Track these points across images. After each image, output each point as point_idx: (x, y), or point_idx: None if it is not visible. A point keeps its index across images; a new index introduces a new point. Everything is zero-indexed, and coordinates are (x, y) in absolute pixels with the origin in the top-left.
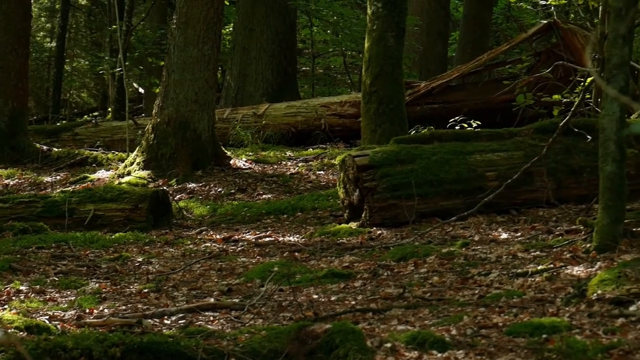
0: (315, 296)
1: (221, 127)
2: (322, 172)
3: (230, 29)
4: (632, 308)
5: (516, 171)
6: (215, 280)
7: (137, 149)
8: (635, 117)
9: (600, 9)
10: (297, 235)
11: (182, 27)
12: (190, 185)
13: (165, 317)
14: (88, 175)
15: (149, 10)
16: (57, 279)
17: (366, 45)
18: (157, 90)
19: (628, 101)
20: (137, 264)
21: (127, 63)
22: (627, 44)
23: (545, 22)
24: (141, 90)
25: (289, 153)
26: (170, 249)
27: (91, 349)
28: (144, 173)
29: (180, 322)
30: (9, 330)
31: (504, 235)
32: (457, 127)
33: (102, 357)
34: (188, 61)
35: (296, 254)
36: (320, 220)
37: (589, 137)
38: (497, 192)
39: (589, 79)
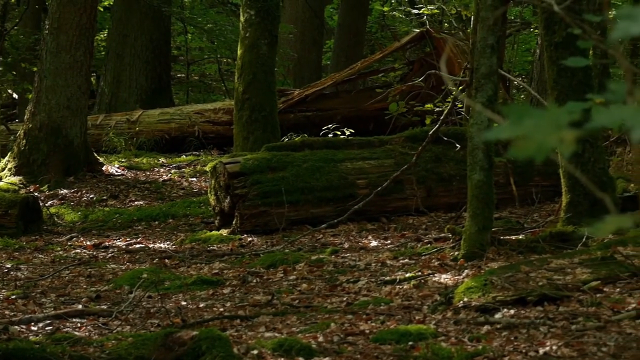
0: (183, 303)
1: (94, 133)
2: (194, 179)
3: (105, 35)
4: (497, 315)
5: (386, 179)
6: (84, 286)
7: (9, 154)
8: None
9: (472, 19)
10: (168, 242)
11: (54, 32)
12: (62, 192)
13: (32, 323)
14: None
15: (22, 15)
16: None
17: (239, 52)
18: (30, 96)
19: (482, 109)
20: (6, 270)
21: (0, 68)
22: (495, 54)
23: (418, 31)
24: (15, 95)
25: (162, 160)
26: (40, 255)
27: None
28: (16, 179)
29: (47, 328)
30: None
31: (374, 243)
32: (330, 135)
33: None
34: (60, 67)
35: (166, 260)
36: (191, 227)
37: (458, 145)
38: (367, 200)
39: (460, 88)
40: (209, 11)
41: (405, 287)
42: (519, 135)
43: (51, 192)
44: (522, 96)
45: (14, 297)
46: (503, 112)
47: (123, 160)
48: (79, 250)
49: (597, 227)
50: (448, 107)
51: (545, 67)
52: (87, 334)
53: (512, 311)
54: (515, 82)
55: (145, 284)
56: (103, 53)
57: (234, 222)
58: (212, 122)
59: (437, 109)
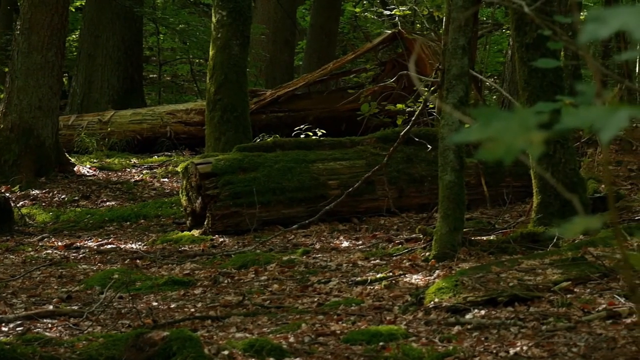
0: (154, 303)
1: (66, 133)
2: (166, 179)
3: (77, 35)
4: (468, 316)
5: (358, 180)
6: (55, 287)
7: None
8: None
9: (444, 20)
10: (139, 243)
11: (26, 32)
12: (33, 192)
13: (3, 324)
14: None
15: None
16: None
17: (211, 53)
18: (2, 97)
19: (453, 110)
20: None
21: None
22: (467, 55)
23: (390, 32)
24: None
25: (134, 160)
26: (11, 256)
27: None
28: None
29: (17, 329)
30: None
31: (345, 244)
32: (302, 136)
33: None
34: (32, 67)
35: (137, 261)
36: (163, 228)
37: (429, 146)
38: (339, 201)
39: (431, 89)
40: (181, 12)
41: (376, 287)
42: (488, 137)
43: (22, 193)
44: (494, 97)
45: None
46: (472, 114)
47: (95, 160)
48: (50, 251)
49: (566, 228)
50: (419, 108)
51: (516, 68)
52: (58, 334)
53: (482, 312)
54: (487, 83)
55: (116, 284)
56: (75, 53)
57: (205, 223)
58: (184, 122)
59: (409, 109)
